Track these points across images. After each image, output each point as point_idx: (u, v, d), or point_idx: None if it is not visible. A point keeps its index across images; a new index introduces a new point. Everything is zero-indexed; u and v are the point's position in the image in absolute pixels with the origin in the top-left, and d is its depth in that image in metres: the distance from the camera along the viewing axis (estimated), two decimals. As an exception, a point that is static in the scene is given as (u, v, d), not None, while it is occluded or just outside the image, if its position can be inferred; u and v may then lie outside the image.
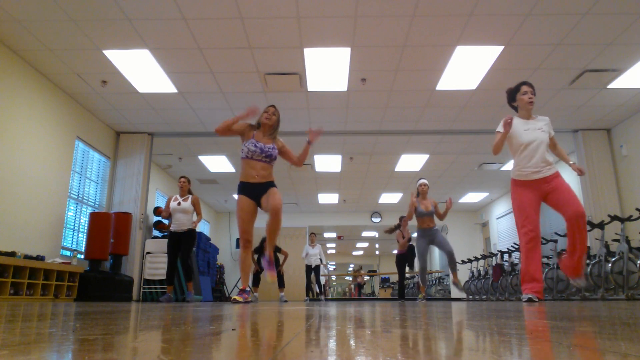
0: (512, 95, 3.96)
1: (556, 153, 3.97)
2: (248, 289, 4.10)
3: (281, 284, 7.84)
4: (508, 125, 3.71)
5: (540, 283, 3.66)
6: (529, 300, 3.61)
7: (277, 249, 8.12)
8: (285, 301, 7.44)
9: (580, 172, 3.82)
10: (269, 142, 4.07)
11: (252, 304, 5.50)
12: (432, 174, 10.46)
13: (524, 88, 3.89)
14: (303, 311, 2.41)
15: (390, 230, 7.64)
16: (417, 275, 7.09)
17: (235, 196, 12.92)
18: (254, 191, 3.99)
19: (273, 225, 3.92)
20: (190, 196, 6.17)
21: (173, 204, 6.09)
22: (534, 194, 3.79)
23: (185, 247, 6.08)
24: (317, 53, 5.45)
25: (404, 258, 7.84)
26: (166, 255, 7.77)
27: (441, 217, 6.25)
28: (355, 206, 13.79)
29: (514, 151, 3.90)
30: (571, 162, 3.90)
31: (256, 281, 7.84)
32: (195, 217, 6.22)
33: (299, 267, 14.07)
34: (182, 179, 6.22)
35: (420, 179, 6.49)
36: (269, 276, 3.99)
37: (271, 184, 4.03)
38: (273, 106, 4.20)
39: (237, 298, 4.00)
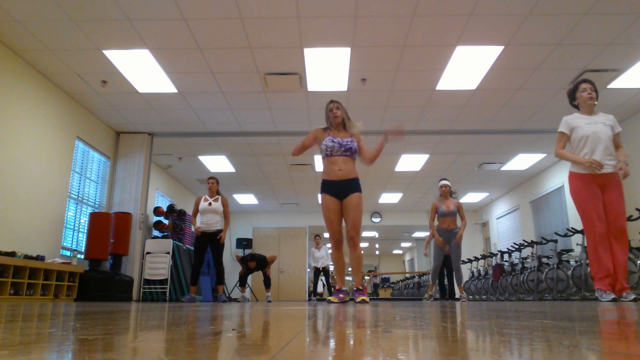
0: (572, 94, 3.87)
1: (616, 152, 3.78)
2: (345, 288, 4.02)
3: (267, 285, 7.89)
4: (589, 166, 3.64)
5: (613, 276, 3.61)
6: (613, 300, 3.52)
7: (264, 263, 8.18)
8: (270, 301, 7.45)
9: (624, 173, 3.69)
10: (347, 136, 3.98)
11: (244, 303, 5.51)
12: (432, 174, 10.46)
13: (583, 85, 3.79)
14: (304, 311, 2.42)
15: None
16: (429, 275, 7.08)
17: (236, 196, 12.91)
18: (338, 189, 3.92)
19: (353, 259, 3.90)
20: (220, 197, 6.21)
21: (203, 204, 6.15)
22: (595, 188, 3.72)
23: (216, 250, 6.15)
24: (317, 53, 5.45)
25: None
26: (166, 255, 7.79)
27: (462, 218, 6.41)
28: (355, 206, 13.77)
29: (574, 146, 3.81)
30: (623, 161, 3.74)
31: (242, 282, 7.91)
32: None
33: (298, 267, 14.07)
34: (211, 180, 6.31)
35: (442, 179, 6.58)
36: (359, 299, 3.85)
37: (355, 184, 3.95)
38: (332, 101, 4.03)
39: (332, 299, 3.91)
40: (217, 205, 6.16)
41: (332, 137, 3.97)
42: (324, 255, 9.86)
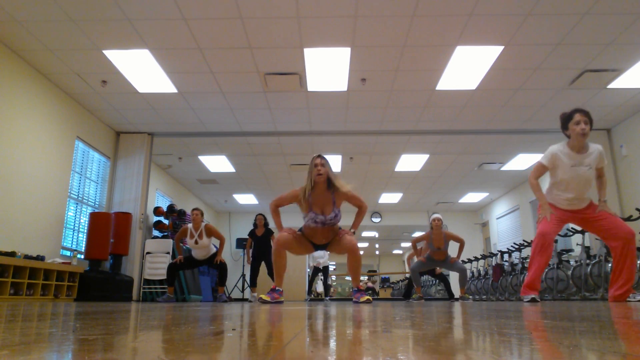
0: (564, 122, 3.72)
1: (597, 183, 3.77)
2: (280, 289, 4.00)
3: (253, 283, 7.73)
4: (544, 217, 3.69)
5: (538, 288, 3.80)
6: (532, 300, 3.65)
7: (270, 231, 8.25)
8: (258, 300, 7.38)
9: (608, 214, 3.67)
10: (328, 208, 3.79)
11: (252, 303, 5.50)
12: (432, 174, 10.46)
13: (578, 117, 3.60)
14: (303, 311, 2.41)
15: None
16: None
17: (236, 196, 12.86)
18: (317, 245, 4.00)
19: (353, 262, 3.86)
20: (204, 227, 6.11)
21: (190, 242, 6.11)
22: (563, 216, 3.75)
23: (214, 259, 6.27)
24: (317, 53, 5.45)
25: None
26: (166, 255, 7.78)
27: (458, 239, 6.52)
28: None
29: (553, 179, 3.77)
30: (603, 200, 3.72)
31: (253, 279, 7.81)
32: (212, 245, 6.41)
33: (298, 266, 14.06)
34: (196, 212, 6.17)
35: (433, 213, 6.64)
36: (361, 299, 3.79)
37: (335, 231, 3.98)
38: (318, 156, 3.80)
39: (265, 297, 3.90)
40: (203, 241, 6.07)
41: (315, 214, 3.80)
42: (323, 255, 9.82)
